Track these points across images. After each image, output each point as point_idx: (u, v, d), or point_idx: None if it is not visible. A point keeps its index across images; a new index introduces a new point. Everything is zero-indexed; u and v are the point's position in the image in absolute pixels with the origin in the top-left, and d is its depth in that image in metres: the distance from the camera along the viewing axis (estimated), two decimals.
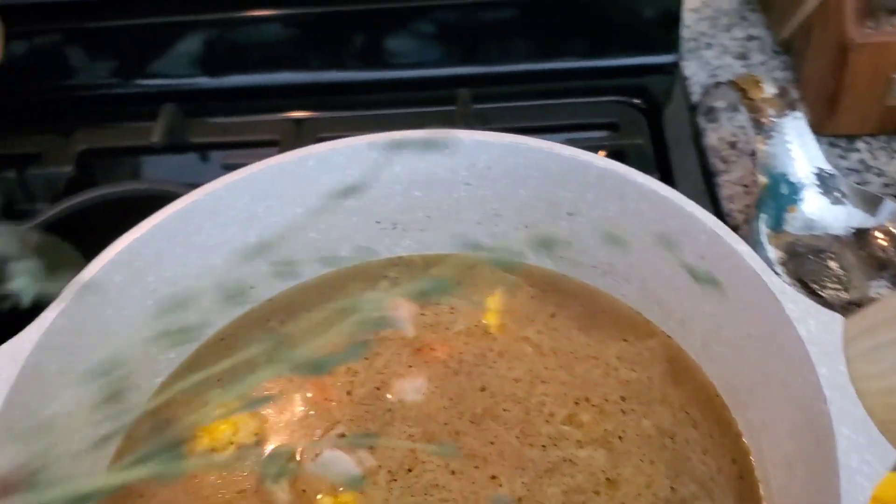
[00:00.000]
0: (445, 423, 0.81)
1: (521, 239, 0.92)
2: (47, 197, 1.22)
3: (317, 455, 0.79)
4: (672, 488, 0.76)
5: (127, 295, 0.80)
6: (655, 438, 0.79)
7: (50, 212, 1.12)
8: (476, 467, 0.78)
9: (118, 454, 0.80)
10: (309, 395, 0.84)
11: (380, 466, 0.79)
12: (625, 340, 0.87)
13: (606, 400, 0.82)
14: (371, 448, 0.80)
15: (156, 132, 1.23)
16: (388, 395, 0.84)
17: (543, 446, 0.79)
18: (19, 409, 0.70)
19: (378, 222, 0.92)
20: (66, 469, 0.70)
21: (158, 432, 0.82)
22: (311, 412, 0.83)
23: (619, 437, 0.79)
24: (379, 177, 0.88)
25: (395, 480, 0.77)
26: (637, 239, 0.84)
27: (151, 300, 0.82)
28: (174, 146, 1.27)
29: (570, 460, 0.78)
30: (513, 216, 0.91)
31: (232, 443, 0.80)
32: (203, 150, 1.30)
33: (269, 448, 0.80)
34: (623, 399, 0.82)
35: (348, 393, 0.84)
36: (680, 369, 0.85)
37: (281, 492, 0.77)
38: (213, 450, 0.80)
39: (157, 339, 0.84)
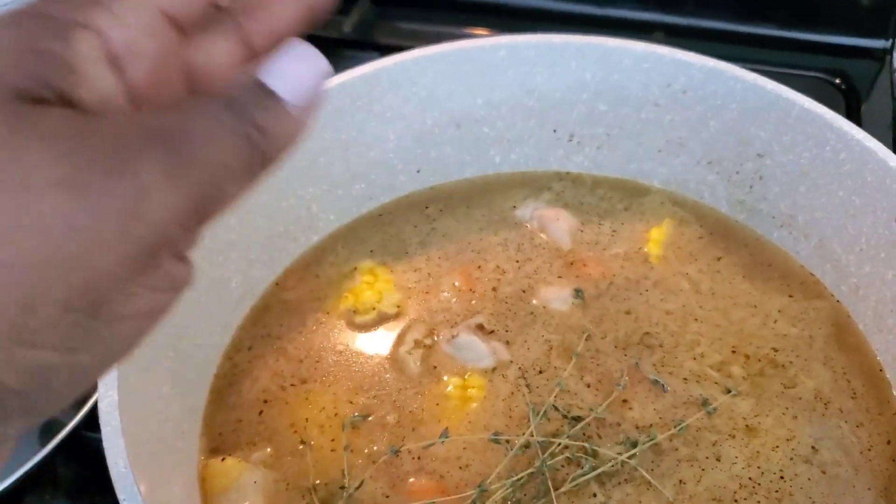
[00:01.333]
0: (587, 338, 0.79)
1: (702, 175, 0.88)
2: None
3: (453, 337, 0.78)
4: (814, 448, 0.71)
5: (304, 146, 0.81)
6: (808, 398, 0.74)
7: None
8: (609, 384, 0.76)
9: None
10: (456, 283, 0.84)
11: (512, 362, 0.77)
12: (790, 296, 0.82)
13: (760, 348, 0.78)
14: (507, 343, 0.79)
15: (348, 24, 1.25)
16: (533, 300, 0.82)
17: (685, 379, 0.76)
18: None
19: (555, 131, 0.90)
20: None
21: (309, 282, 0.84)
22: (455, 299, 0.83)
23: (769, 388, 0.75)
24: (567, 82, 0.86)
25: (524, 378, 0.76)
26: (827, 192, 0.79)
27: (323, 158, 0.83)
28: (361, 42, 1.29)
29: (709, 400, 0.74)
30: (697, 149, 0.87)
31: (374, 308, 0.81)
32: (388, 51, 1.31)
33: (408, 320, 0.81)
34: (775, 350, 0.78)
35: (494, 289, 0.83)
36: (846, 336, 0.79)
37: (413, 363, 0.77)
38: (356, 311, 0.81)
39: (319, 199, 0.86)
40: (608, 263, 0.85)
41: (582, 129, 0.90)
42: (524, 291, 0.83)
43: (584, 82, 0.86)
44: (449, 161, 0.90)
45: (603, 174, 0.92)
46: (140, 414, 0.63)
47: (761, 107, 0.80)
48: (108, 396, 0.59)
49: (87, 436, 0.78)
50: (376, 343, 0.79)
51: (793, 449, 0.71)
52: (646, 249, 0.86)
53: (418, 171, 0.90)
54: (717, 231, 0.88)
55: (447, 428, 0.72)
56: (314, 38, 0.38)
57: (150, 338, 0.68)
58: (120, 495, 0.55)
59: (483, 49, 0.85)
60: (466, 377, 0.76)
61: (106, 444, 0.57)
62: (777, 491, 0.69)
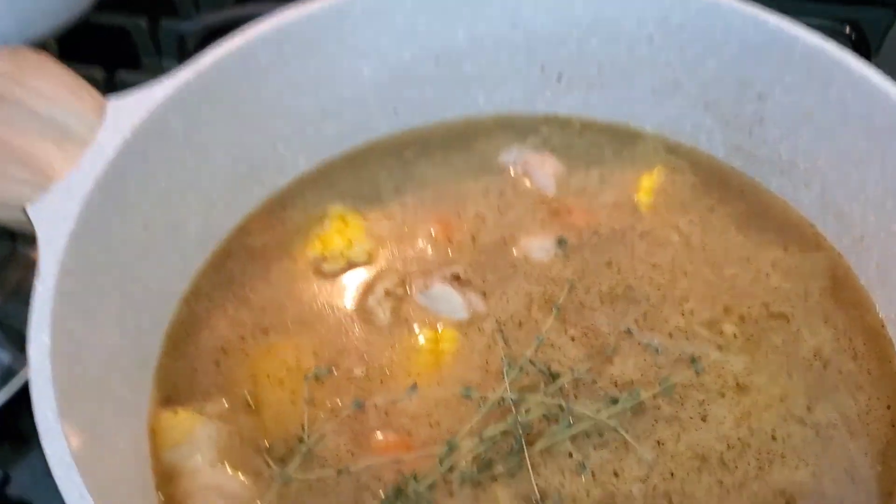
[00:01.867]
0: (570, 294, 0.74)
1: (698, 118, 0.82)
2: None
3: (426, 287, 0.73)
4: (809, 409, 0.67)
5: (268, 79, 0.75)
6: (805, 356, 0.70)
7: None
8: (594, 339, 0.71)
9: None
10: (432, 231, 0.78)
11: (489, 314, 0.72)
12: (785, 249, 0.77)
13: (752, 307, 0.72)
14: (484, 294, 0.74)
15: None
16: (514, 250, 0.77)
17: (670, 335, 0.71)
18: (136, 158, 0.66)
19: (543, 69, 0.84)
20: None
21: (274, 228, 0.79)
22: (430, 248, 0.77)
23: (764, 345, 0.70)
24: (557, 15, 0.80)
25: (502, 332, 0.71)
26: (832, 136, 0.73)
27: (290, 93, 0.78)
28: None
29: (698, 358, 0.69)
30: (693, 90, 0.81)
31: (343, 256, 0.76)
32: None
33: (379, 269, 0.76)
34: (767, 306, 0.72)
35: (472, 238, 0.78)
36: (844, 290, 0.74)
37: (382, 313, 0.72)
38: (324, 259, 0.76)
39: (287, 138, 0.81)
40: (595, 212, 0.80)
41: (572, 69, 0.84)
42: (505, 241, 0.78)
43: (575, 16, 0.80)
44: (428, 101, 0.85)
45: (593, 117, 0.86)
46: (80, 362, 0.58)
47: (763, 44, 0.74)
48: (38, 340, 0.54)
49: None
50: (344, 293, 0.74)
51: (787, 409, 0.67)
52: (636, 198, 0.80)
53: (395, 112, 0.84)
54: (711, 180, 0.82)
55: (416, 383, 0.67)
56: None
57: (93, 283, 0.64)
58: (47, 451, 0.50)
59: None
60: (439, 330, 0.71)
61: (34, 394, 0.52)
62: (768, 452, 0.64)
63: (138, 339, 0.68)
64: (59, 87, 0.67)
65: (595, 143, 0.85)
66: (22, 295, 0.90)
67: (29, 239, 0.84)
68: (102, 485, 0.52)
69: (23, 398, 0.70)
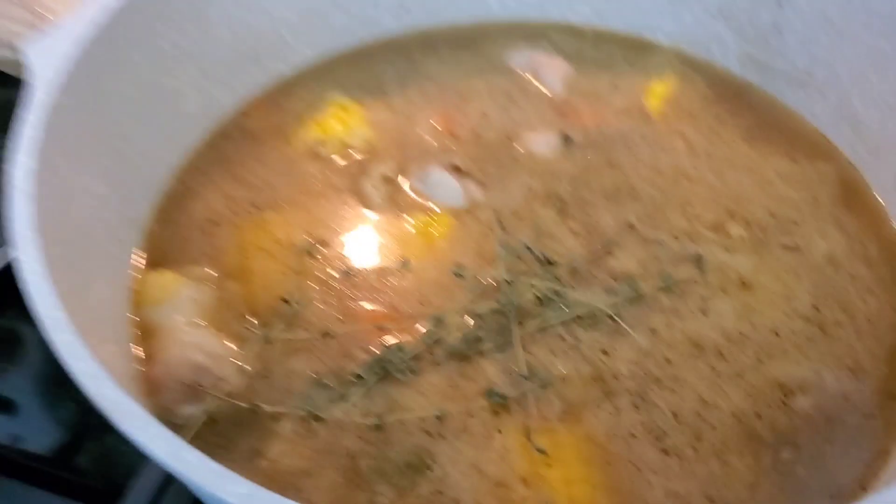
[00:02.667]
0: (572, 189, 0.72)
1: (713, 29, 0.80)
2: None
3: (424, 173, 0.71)
4: (815, 308, 0.64)
5: None
6: (817, 260, 0.67)
7: None
8: (595, 232, 0.68)
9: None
10: (434, 124, 0.76)
11: (487, 204, 0.70)
12: (792, 160, 0.74)
13: (755, 212, 0.70)
14: (484, 185, 0.72)
15: None
16: (517, 146, 0.75)
17: (675, 237, 0.69)
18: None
19: None
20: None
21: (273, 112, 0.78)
22: (431, 140, 0.75)
23: (773, 248, 0.68)
24: None
25: (500, 221, 0.69)
26: (853, 40, 0.71)
27: None
28: None
29: (701, 257, 0.67)
30: None
31: (340, 141, 0.74)
32: None
33: (376, 155, 0.74)
34: (772, 212, 0.70)
35: (475, 133, 0.76)
36: (855, 199, 0.71)
37: (376, 195, 0.70)
38: (321, 143, 0.74)
39: (293, 25, 0.79)
40: (603, 114, 0.77)
41: None
42: (508, 137, 0.76)
43: None
44: (440, 2, 0.83)
45: (607, 26, 0.84)
46: (62, 199, 0.56)
47: None
48: (24, 163, 0.53)
49: None
50: (339, 176, 0.72)
51: (792, 307, 0.64)
52: (644, 104, 0.78)
53: (403, 8, 0.83)
54: (723, 92, 0.80)
55: (408, 259, 0.65)
56: None
57: (84, 129, 0.62)
58: (20, 257, 0.48)
59: None
60: (434, 216, 0.69)
61: (12, 210, 0.51)
62: (769, 346, 0.62)
63: (128, 197, 0.66)
64: None
65: (608, 51, 0.83)
66: None
67: None
68: (79, 321, 0.50)
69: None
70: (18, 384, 0.76)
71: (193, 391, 0.57)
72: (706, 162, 0.74)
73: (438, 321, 0.61)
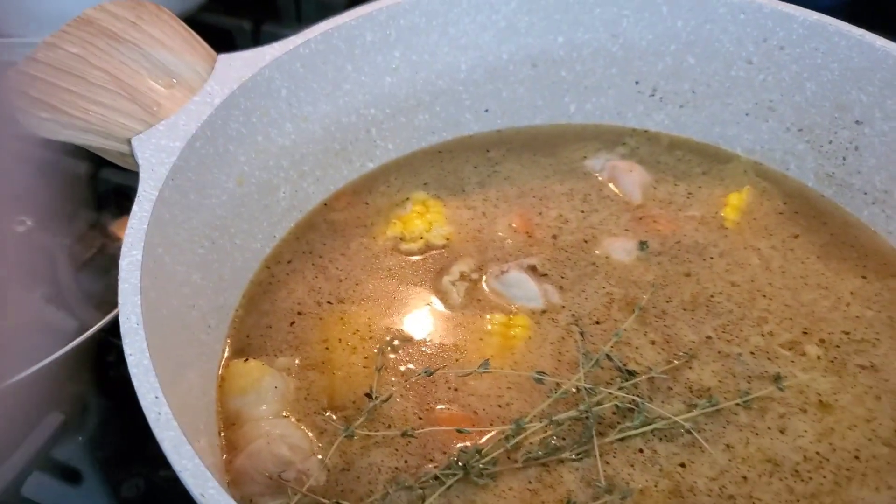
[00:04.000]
0: (650, 297, 0.72)
1: (790, 143, 0.82)
2: None
3: (502, 272, 0.73)
4: None
5: (371, 59, 0.77)
6: (894, 379, 0.67)
7: None
8: (673, 344, 0.69)
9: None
10: (513, 225, 0.78)
11: (564, 307, 0.71)
12: (863, 277, 0.74)
13: (832, 333, 0.70)
14: (561, 288, 0.73)
15: None
16: (596, 250, 0.76)
17: (752, 353, 0.69)
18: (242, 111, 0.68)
19: (637, 83, 0.85)
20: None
21: (357, 206, 0.80)
22: (509, 240, 0.77)
23: (850, 368, 0.67)
24: (656, 29, 0.81)
25: (577, 325, 0.70)
26: None
27: (390, 78, 0.79)
28: None
29: (780, 375, 0.67)
30: (789, 113, 0.80)
31: (422, 238, 0.76)
32: None
33: (455, 253, 0.75)
34: (847, 332, 0.70)
35: (554, 237, 0.78)
36: None
37: (456, 293, 0.72)
38: (403, 238, 0.76)
39: (380, 123, 0.82)
40: (680, 223, 0.79)
41: (666, 84, 0.84)
42: (586, 242, 0.77)
43: (675, 31, 0.81)
44: (520, 104, 0.86)
45: (683, 135, 0.86)
46: (164, 288, 0.59)
47: (866, 67, 0.74)
48: (130, 255, 0.55)
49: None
50: (419, 272, 0.74)
51: (873, 430, 0.64)
52: (722, 214, 0.79)
53: (486, 111, 0.86)
54: (800, 207, 0.81)
55: (488, 360, 0.66)
56: None
57: (185, 220, 0.65)
58: (127, 350, 0.50)
59: None
60: (512, 316, 0.70)
61: (121, 300, 0.53)
62: (848, 469, 0.61)
63: (220, 287, 0.68)
64: (174, 37, 0.69)
65: (684, 159, 0.85)
66: (97, 264, 0.93)
67: (113, 211, 0.87)
68: (177, 413, 0.51)
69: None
70: (84, 455, 0.78)
71: (276, 484, 0.58)
72: (780, 279, 0.75)
73: (519, 425, 0.62)
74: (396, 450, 0.62)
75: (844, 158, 0.78)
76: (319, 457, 0.61)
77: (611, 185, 0.82)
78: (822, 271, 0.76)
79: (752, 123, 0.83)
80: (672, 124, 0.86)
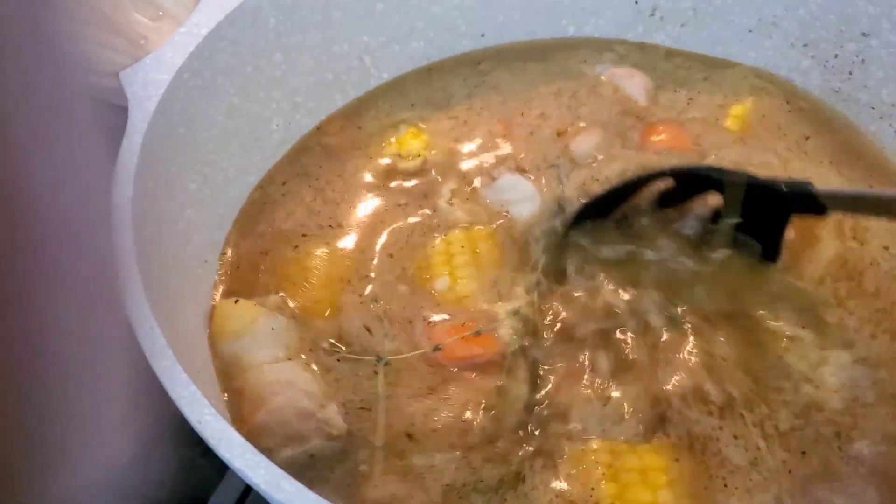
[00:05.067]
0: None
1: (795, 59, 0.79)
2: None
3: (493, 179, 0.72)
4: None
5: None
6: None
7: None
8: None
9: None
10: (494, 129, 0.77)
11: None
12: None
13: None
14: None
15: None
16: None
17: None
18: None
19: (636, 2, 0.82)
20: None
21: (349, 130, 0.79)
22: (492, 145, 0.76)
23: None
24: None
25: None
26: None
27: (381, 4, 0.77)
28: None
29: None
30: (793, 28, 0.78)
31: (419, 155, 0.75)
32: None
33: (444, 169, 0.74)
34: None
35: (531, 133, 0.76)
36: None
37: (452, 209, 0.71)
38: (400, 156, 0.75)
39: (373, 52, 0.80)
40: (687, 126, 0.76)
41: (666, 3, 0.82)
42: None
43: None
44: (516, 27, 0.83)
45: (685, 49, 0.83)
46: (157, 223, 0.58)
47: None
48: (121, 190, 0.54)
49: None
50: (419, 191, 0.73)
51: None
52: (725, 124, 0.77)
53: (482, 36, 0.83)
54: (809, 109, 0.78)
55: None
56: None
57: (175, 155, 0.64)
58: (122, 284, 0.50)
59: None
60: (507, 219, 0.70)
61: (114, 235, 0.52)
62: None
63: (214, 223, 0.68)
64: None
65: (682, 66, 0.82)
66: None
67: None
68: (175, 348, 0.50)
69: None
70: None
71: (296, 433, 0.57)
72: None
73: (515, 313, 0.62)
74: (422, 373, 0.61)
75: (851, 73, 0.76)
76: (335, 406, 0.59)
77: (613, 88, 0.79)
78: (836, 179, 0.73)
79: (755, 40, 0.80)
80: (672, 43, 0.83)
